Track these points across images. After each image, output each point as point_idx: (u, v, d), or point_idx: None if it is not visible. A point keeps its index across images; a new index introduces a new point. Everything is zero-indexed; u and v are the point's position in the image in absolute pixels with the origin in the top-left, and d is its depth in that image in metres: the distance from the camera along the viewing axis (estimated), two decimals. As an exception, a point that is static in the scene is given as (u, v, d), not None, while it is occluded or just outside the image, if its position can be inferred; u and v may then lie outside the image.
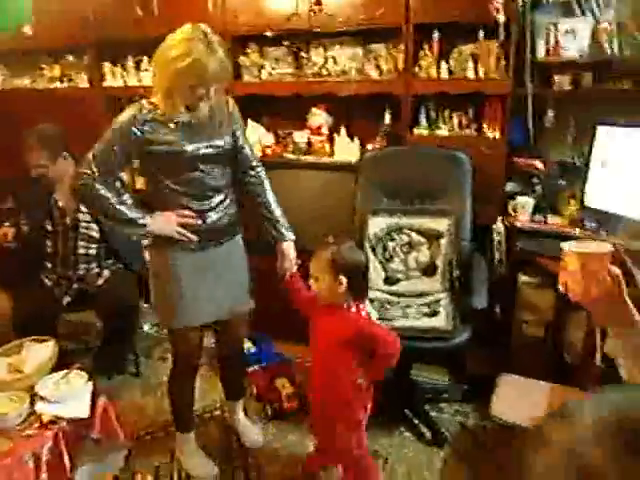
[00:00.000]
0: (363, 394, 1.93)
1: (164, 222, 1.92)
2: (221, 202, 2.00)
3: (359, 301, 1.87)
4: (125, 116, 1.86)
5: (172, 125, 1.87)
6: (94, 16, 3.37)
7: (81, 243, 2.74)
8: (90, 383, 2.03)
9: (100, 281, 2.79)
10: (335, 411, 1.94)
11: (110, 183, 1.90)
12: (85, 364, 2.34)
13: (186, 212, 1.94)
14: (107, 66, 3.59)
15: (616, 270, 0.97)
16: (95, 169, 1.85)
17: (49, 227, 2.73)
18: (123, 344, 2.85)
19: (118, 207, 1.88)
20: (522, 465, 0.39)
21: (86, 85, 3.70)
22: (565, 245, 1.01)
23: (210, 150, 1.93)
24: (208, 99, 1.85)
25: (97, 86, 3.63)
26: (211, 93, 1.82)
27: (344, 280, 1.80)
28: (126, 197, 2.18)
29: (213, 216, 1.99)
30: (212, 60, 1.74)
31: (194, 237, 1.95)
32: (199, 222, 1.96)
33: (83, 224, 2.73)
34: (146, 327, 3.41)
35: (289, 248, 2.11)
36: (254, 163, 2.11)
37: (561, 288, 1.02)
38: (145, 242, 2.99)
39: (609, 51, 2.41)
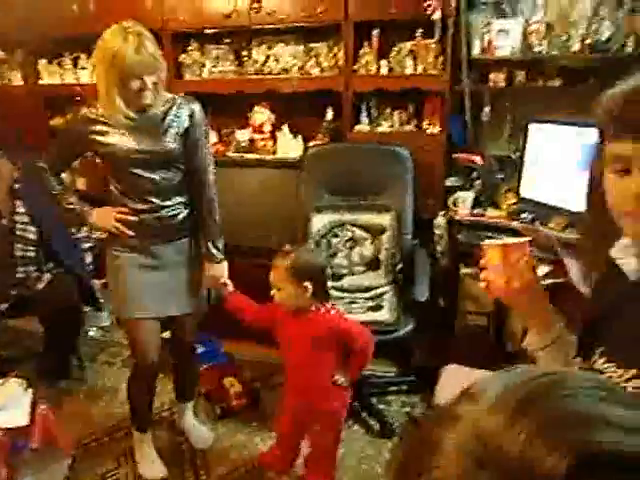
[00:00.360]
0: (344, 393, 1.98)
1: (103, 216, 2.01)
2: (168, 206, 1.99)
3: (324, 300, 1.88)
4: (76, 116, 1.97)
5: (116, 127, 1.89)
6: (28, 11, 3.25)
7: (18, 245, 2.66)
8: (30, 390, 1.98)
9: (40, 285, 2.70)
10: (317, 413, 1.97)
11: (61, 179, 2.08)
12: (27, 371, 2.28)
13: (123, 209, 1.98)
14: (43, 63, 3.48)
15: (532, 260, 1.00)
16: (48, 165, 2.02)
17: (-18, 230, 2.63)
18: (66, 349, 2.78)
19: (69, 199, 2.05)
20: (431, 442, 0.39)
21: (20, 83, 3.57)
22: (485, 242, 1.04)
23: (150, 155, 1.92)
24: (150, 91, 1.82)
25: (32, 84, 3.51)
26: (148, 85, 1.80)
27: (309, 286, 1.79)
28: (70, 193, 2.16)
29: (154, 217, 1.99)
30: (130, 49, 1.74)
31: (130, 233, 1.98)
32: (134, 218, 1.97)
33: (20, 226, 2.65)
34: (91, 332, 3.33)
35: (213, 269, 2.08)
36: (204, 177, 2.02)
37: (482, 285, 1.04)
38: (87, 245, 2.97)
39: (539, 50, 2.51)
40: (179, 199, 2.02)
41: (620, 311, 0.89)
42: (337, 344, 1.86)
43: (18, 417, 1.87)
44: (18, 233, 2.65)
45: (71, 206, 2.04)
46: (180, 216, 2.03)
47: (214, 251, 2.07)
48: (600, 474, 0.33)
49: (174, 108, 1.94)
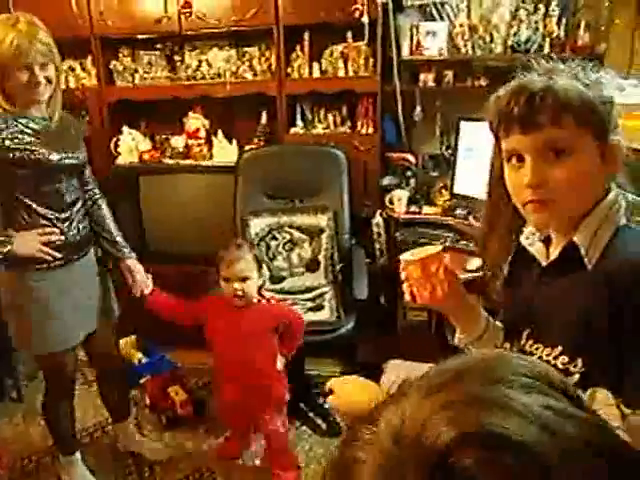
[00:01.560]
0: (284, 376, 2.10)
1: (27, 241, 1.79)
2: (79, 215, 1.94)
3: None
4: None
5: (30, 131, 1.76)
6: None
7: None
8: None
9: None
10: (268, 399, 2.05)
11: None
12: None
13: (47, 229, 1.83)
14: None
15: (450, 266, 1.04)
16: None
17: None
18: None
19: None
20: (368, 420, 0.41)
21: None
22: (402, 256, 1.06)
23: (73, 161, 1.87)
24: (42, 86, 1.71)
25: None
26: (39, 78, 1.68)
27: (265, 271, 1.98)
28: None
29: (74, 229, 1.91)
30: (11, 34, 1.63)
31: (58, 254, 1.85)
32: (62, 237, 1.86)
33: None
34: (29, 348, 3.21)
35: (136, 264, 2.09)
36: (91, 185, 2.06)
37: (407, 298, 1.07)
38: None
39: (465, 51, 2.60)
40: (84, 209, 2.00)
41: (539, 294, 0.94)
42: (277, 329, 1.97)
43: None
44: None
45: None
46: (88, 225, 2.00)
47: (126, 250, 2.07)
48: (479, 451, 0.35)
49: (68, 120, 1.91)
